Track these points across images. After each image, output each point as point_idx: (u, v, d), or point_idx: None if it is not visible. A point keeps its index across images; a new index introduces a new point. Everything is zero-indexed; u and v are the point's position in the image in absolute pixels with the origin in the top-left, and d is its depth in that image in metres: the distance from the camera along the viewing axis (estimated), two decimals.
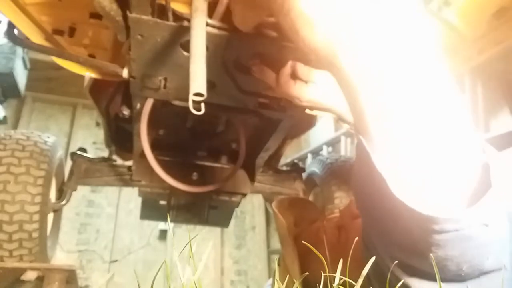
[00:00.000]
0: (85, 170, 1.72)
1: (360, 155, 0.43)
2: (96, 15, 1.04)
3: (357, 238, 0.55)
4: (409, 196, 0.38)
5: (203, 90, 0.59)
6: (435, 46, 0.39)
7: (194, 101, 0.59)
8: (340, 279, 0.42)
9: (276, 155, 1.81)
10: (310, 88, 0.85)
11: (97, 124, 4.86)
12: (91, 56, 1.15)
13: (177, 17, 0.84)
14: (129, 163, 1.74)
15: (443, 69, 0.39)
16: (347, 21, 0.39)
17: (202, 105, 0.60)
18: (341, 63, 0.40)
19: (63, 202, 1.66)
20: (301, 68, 0.80)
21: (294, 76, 0.81)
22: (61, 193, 1.68)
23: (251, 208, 5.16)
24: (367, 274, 0.41)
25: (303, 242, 0.57)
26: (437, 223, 0.38)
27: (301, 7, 0.40)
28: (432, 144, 0.39)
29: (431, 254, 0.39)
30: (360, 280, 0.40)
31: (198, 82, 0.59)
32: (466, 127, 0.40)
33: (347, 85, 0.41)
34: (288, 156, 4.31)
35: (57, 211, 1.73)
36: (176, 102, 1.13)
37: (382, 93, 0.39)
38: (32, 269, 1.32)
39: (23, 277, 1.29)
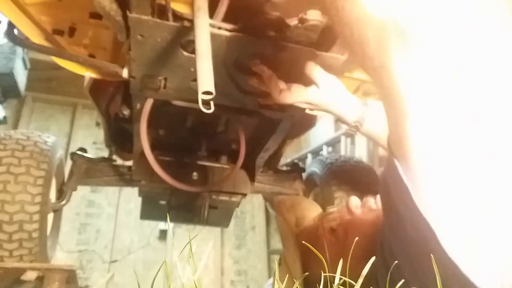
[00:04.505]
0: (85, 170, 1.71)
1: (395, 184, 0.38)
2: (96, 15, 1.04)
3: (357, 238, 0.55)
4: (451, 242, 0.35)
5: (212, 88, 0.59)
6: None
7: (203, 100, 0.59)
8: (340, 279, 0.42)
9: (276, 155, 1.81)
10: (309, 91, 0.85)
11: (97, 124, 4.86)
12: (91, 56, 1.15)
13: (177, 17, 0.84)
14: (129, 163, 1.73)
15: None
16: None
17: (212, 103, 0.60)
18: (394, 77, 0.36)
19: (63, 202, 1.65)
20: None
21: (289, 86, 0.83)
22: (61, 193, 1.68)
23: (251, 208, 5.16)
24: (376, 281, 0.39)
25: (303, 242, 0.56)
26: None
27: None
28: (490, 190, 0.34)
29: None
30: (360, 280, 0.40)
31: (206, 81, 0.59)
32: None
33: (393, 104, 0.37)
34: (288, 156, 4.31)
35: (57, 211, 1.73)
36: (176, 102, 1.13)
37: (436, 119, 0.34)
38: (32, 269, 1.32)
39: (23, 277, 1.29)
